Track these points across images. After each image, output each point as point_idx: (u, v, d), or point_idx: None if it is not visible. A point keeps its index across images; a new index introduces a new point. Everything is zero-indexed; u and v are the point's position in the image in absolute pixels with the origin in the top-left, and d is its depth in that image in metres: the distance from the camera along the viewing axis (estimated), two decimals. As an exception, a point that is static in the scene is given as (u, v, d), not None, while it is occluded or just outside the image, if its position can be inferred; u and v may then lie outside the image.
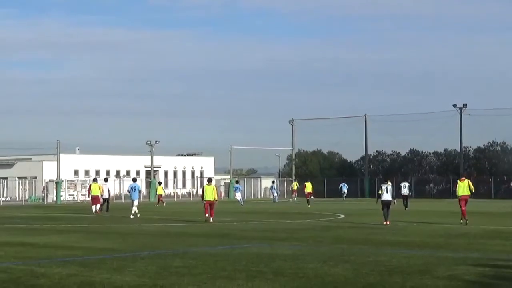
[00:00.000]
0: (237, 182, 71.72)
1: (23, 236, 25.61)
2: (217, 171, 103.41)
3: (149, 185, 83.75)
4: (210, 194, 34.12)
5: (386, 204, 31.80)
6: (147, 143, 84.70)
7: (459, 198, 31.86)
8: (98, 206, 43.62)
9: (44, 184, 77.87)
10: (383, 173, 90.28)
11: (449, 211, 46.69)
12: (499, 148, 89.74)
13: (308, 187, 60.26)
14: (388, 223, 31.31)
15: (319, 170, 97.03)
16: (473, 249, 20.30)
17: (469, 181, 32.16)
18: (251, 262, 16.78)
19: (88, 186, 51.18)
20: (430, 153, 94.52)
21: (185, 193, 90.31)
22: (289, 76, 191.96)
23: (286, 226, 31.35)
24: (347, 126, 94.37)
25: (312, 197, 59.75)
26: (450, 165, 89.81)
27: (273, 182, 76.24)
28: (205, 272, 15.02)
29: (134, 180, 43.78)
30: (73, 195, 77.02)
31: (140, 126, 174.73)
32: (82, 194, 76.39)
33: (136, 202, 40.05)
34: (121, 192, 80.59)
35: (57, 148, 77.02)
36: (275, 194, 70.37)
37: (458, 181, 32.39)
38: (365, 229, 28.77)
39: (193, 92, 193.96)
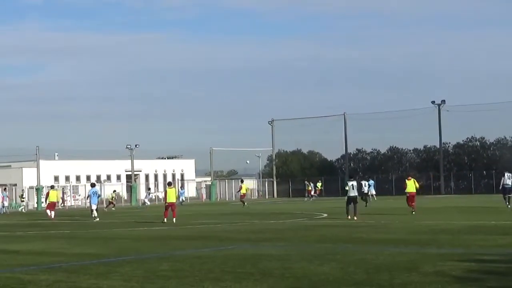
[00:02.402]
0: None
1: (7, 243, 25.46)
2: (197, 173, 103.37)
3: (130, 189, 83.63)
4: (173, 196, 37.57)
5: (353, 200, 34.41)
6: (127, 147, 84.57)
7: (408, 195, 37.59)
8: (53, 212, 45.87)
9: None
10: (363, 171, 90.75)
11: (430, 207, 46.97)
12: (478, 144, 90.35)
13: (244, 188, 60.47)
14: (355, 218, 33.33)
15: (300, 170, 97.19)
16: (457, 244, 20.43)
17: (415, 180, 38.15)
18: (237, 263, 16.80)
19: (46, 193, 53.72)
20: (410, 150, 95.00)
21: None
22: (268, 75, 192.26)
23: (270, 226, 31.38)
24: (327, 125, 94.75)
25: (244, 201, 59.01)
26: (430, 162, 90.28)
27: (181, 187, 78.88)
28: (192, 275, 15.01)
29: (93, 185, 45.43)
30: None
31: (120, 130, 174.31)
32: (63, 200, 76.13)
33: (94, 206, 42.33)
34: (102, 197, 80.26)
35: (36, 154, 76.77)
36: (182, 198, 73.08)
37: (406, 180, 38.19)
38: (349, 227, 28.84)
39: (172, 95, 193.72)
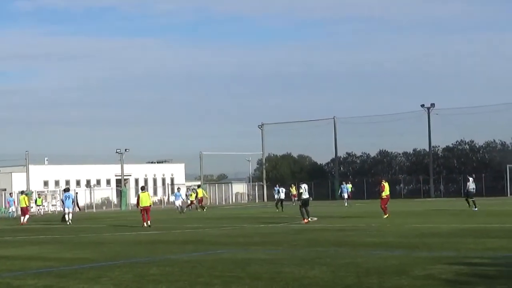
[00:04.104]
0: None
1: (-4, 248, 25.36)
2: (187, 178, 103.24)
3: (119, 193, 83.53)
4: (146, 200, 37.98)
5: (306, 203, 35.80)
6: (117, 152, 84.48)
7: (386, 197, 38.24)
8: (27, 217, 47.18)
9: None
10: (353, 175, 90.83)
11: (420, 210, 47.07)
12: (467, 147, 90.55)
13: (200, 193, 61.05)
14: (308, 220, 34.85)
15: (290, 174, 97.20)
16: (447, 248, 20.43)
17: None
18: (227, 267, 16.76)
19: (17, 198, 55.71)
20: (399, 154, 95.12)
21: (156, 201, 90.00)
22: (258, 80, 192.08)
23: (259, 230, 31.34)
24: (316, 129, 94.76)
25: (201, 204, 60.39)
26: (420, 165, 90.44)
27: (178, 189, 77.43)
28: (182, 279, 14.98)
29: (66, 190, 47.55)
30: (43, 206, 76.48)
31: (109, 135, 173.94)
32: (52, 205, 76.15)
33: (67, 210, 43.89)
34: (92, 201, 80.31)
35: (26, 159, 76.56)
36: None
37: (384, 182, 38.91)
38: (338, 231, 28.84)
39: (161, 99, 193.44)
